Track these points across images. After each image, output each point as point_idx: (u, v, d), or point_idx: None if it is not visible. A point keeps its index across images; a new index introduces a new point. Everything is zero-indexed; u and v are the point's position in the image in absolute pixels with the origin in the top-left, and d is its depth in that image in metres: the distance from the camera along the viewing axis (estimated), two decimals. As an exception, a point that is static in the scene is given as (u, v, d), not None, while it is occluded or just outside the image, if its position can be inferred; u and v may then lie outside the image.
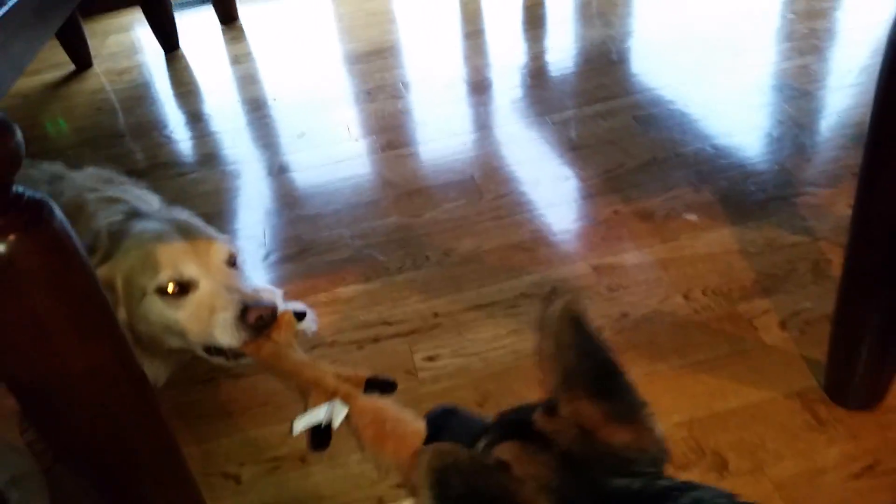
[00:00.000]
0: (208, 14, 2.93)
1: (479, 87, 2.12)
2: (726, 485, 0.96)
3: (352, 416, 0.88)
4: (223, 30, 2.85)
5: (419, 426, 0.80)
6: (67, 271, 0.64)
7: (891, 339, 0.95)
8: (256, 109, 2.19)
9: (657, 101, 1.87)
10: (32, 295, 0.62)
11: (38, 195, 0.62)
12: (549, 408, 0.59)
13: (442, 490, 0.52)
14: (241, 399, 1.21)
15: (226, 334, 0.98)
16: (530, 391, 1.17)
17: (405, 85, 2.19)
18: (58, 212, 0.63)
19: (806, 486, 0.96)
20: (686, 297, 1.27)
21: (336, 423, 0.87)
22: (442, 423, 0.79)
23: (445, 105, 2.05)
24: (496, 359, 1.20)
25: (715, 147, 1.66)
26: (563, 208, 1.55)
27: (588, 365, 0.58)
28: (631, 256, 1.38)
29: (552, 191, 1.61)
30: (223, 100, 2.31)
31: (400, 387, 0.91)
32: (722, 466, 1.00)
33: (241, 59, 2.58)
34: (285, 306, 1.03)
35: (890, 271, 0.87)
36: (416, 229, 1.54)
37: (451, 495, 0.52)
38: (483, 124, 1.93)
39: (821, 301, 1.21)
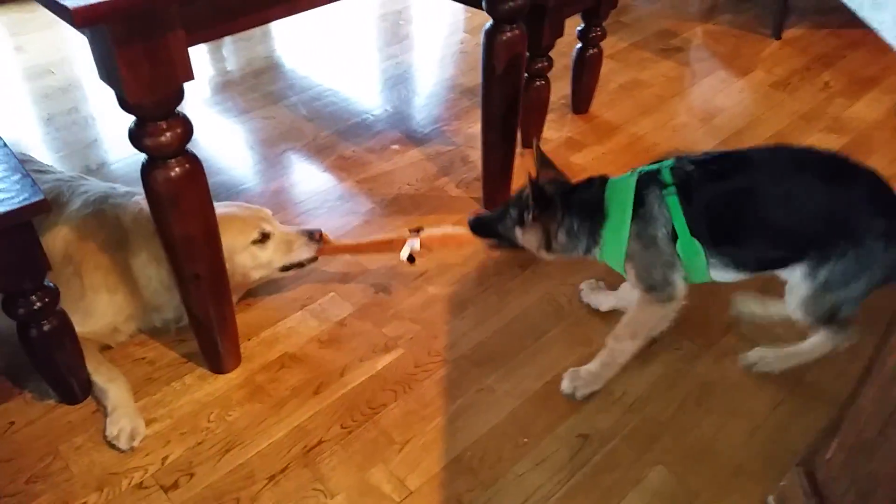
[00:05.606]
0: None
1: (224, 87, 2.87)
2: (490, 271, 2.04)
3: (422, 242, 1.70)
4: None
5: (461, 229, 1.68)
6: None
7: (506, 172, 2.14)
8: None
9: (336, 87, 2.89)
10: (201, 177, 1.38)
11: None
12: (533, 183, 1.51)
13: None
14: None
15: (307, 250, 1.73)
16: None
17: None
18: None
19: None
20: (409, 185, 2.34)
21: (417, 248, 1.70)
22: (477, 219, 1.64)
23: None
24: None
25: (388, 109, 2.76)
26: (323, 154, 2.48)
27: (542, 163, 1.57)
28: (374, 171, 2.39)
29: (315, 145, 2.52)
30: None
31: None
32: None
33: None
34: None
35: (501, 137, 2.03)
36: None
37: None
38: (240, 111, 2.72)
39: (471, 172, 2.38)
